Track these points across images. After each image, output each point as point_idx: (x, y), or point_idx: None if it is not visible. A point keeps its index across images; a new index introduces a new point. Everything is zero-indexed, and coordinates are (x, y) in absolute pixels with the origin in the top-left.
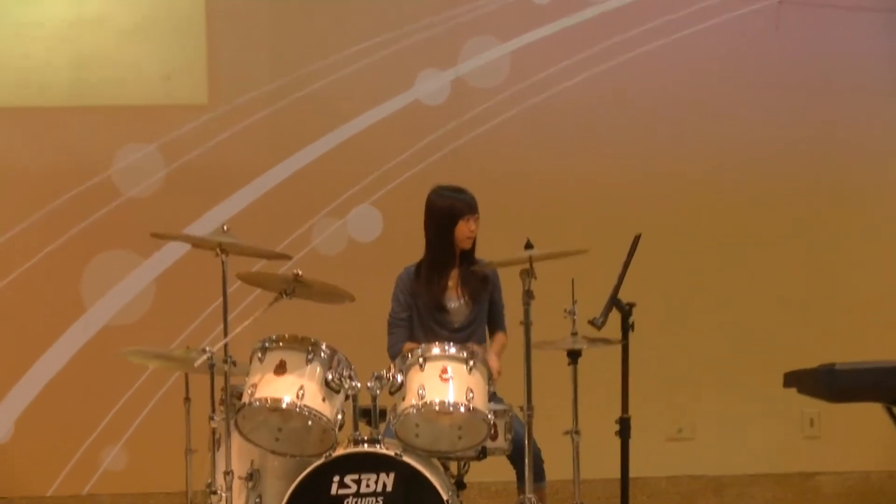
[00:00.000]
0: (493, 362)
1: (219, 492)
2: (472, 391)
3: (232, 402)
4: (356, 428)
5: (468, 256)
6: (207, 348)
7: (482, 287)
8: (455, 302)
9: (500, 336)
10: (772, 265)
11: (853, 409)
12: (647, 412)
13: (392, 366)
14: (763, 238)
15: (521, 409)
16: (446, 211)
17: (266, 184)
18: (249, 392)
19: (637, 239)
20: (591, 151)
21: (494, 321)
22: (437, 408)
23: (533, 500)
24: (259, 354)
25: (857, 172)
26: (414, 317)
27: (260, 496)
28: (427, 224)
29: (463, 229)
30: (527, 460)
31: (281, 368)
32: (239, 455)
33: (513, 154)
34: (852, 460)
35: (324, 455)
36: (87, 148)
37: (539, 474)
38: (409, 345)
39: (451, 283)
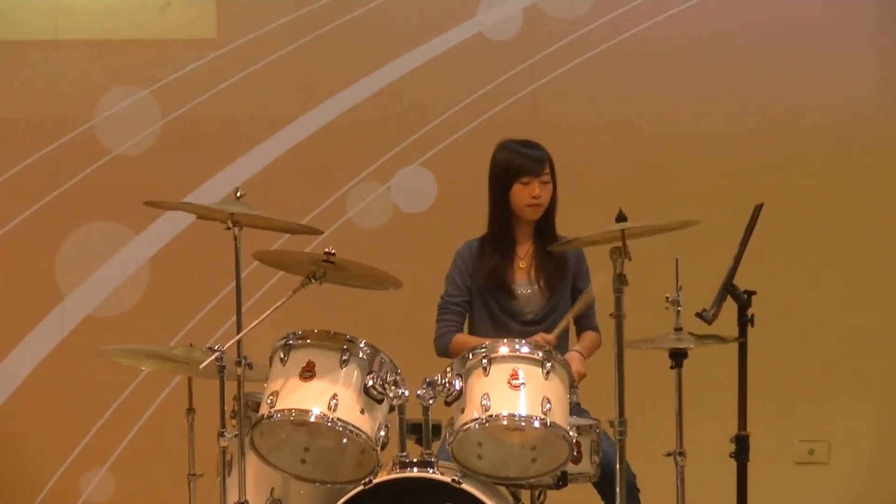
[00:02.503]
0: (575, 363)
1: None
2: (549, 401)
3: (247, 414)
4: (403, 447)
5: (543, 231)
6: (216, 346)
7: (560, 269)
8: (527, 287)
9: (590, 335)
10: None
11: None
12: (770, 429)
13: (448, 368)
14: None
15: (612, 424)
16: (500, 169)
17: (290, 139)
18: (269, 402)
19: (758, 209)
20: (699, 99)
21: (582, 316)
22: (505, 422)
23: None
24: (281, 354)
25: None
26: (476, 303)
27: None
28: (488, 187)
29: (520, 195)
30: (618, 489)
31: (308, 372)
32: (256, 481)
33: (601, 102)
34: None
35: (362, 482)
36: (64, 93)
37: None
38: (461, 336)
39: (522, 265)
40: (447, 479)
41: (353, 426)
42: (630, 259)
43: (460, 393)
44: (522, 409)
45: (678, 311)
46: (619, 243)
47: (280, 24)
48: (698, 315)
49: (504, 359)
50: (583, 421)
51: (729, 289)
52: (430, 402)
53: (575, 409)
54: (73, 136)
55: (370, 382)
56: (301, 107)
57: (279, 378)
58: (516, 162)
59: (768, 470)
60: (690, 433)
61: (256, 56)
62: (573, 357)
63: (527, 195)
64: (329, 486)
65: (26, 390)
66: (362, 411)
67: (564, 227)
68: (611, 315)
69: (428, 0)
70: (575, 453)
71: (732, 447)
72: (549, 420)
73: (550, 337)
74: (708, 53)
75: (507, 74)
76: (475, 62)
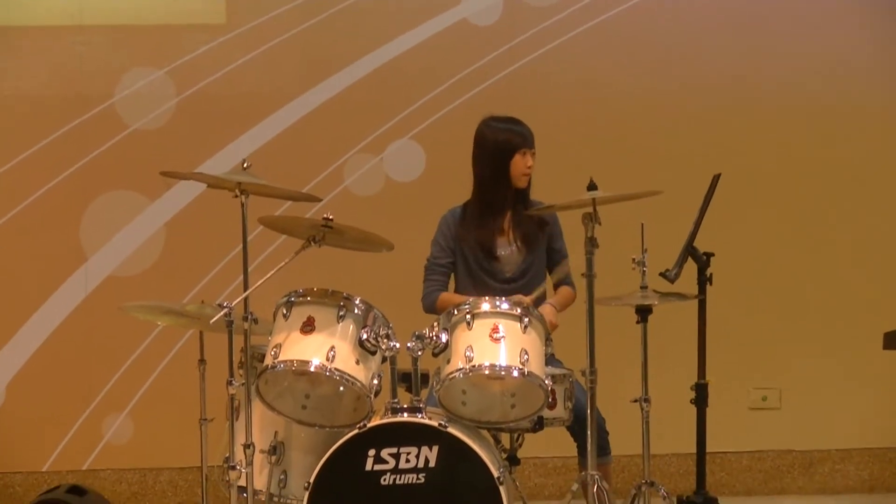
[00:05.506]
0: (549, 313)
1: (238, 467)
2: (526, 353)
3: (253, 364)
4: (394, 395)
5: (523, 197)
6: (225, 303)
7: (537, 231)
8: (506, 248)
9: (564, 290)
10: (874, 209)
11: None
12: (726, 378)
13: (435, 323)
14: (864, 179)
15: (583, 373)
16: (500, 144)
17: (292, 115)
18: (273, 353)
19: (716, 179)
20: (664, 78)
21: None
22: (486, 371)
23: (596, 477)
24: (284, 310)
25: None
26: (459, 264)
27: (285, 472)
28: (477, 159)
29: (519, 165)
30: (589, 432)
31: (308, 326)
32: (261, 426)
33: (574, 82)
34: None
35: (357, 426)
36: (88, 73)
37: (603, 448)
38: (445, 294)
39: (503, 227)
40: (434, 423)
41: (349, 375)
42: (600, 224)
43: (446, 345)
44: (503, 360)
45: (644, 272)
46: (591, 209)
47: (282, 11)
48: (662, 275)
49: (486, 314)
50: (557, 371)
51: (690, 251)
52: (419, 353)
53: (550, 359)
54: (96, 112)
55: (364, 336)
56: (302, 86)
57: (282, 332)
58: (514, 138)
59: (725, 415)
60: (655, 381)
61: (261, 40)
62: (546, 309)
63: (523, 165)
64: (327, 429)
65: (53, 343)
66: (357, 362)
67: (542, 193)
68: (582, 275)
69: None
70: (550, 400)
71: (693, 394)
72: (526, 370)
73: (528, 298)
74: (670, 38)
75: (489, 56)
76: (460, 45)
